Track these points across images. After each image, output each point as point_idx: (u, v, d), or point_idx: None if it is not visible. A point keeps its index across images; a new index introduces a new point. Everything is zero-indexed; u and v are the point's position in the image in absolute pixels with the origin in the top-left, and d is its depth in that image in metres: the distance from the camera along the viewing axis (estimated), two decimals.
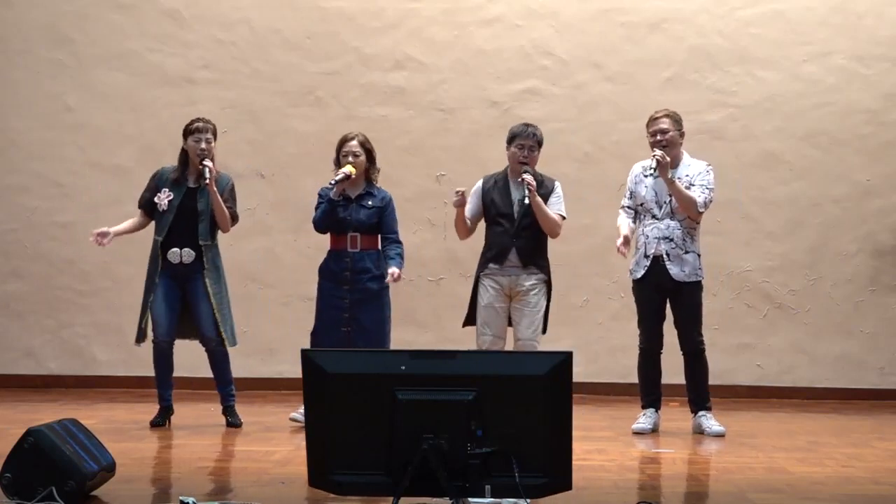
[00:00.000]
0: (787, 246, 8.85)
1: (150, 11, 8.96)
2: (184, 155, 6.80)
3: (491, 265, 6.69)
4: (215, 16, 8.96)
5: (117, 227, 6.84)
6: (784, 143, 8.88)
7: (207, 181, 6.60)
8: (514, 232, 6.65)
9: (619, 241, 6.66)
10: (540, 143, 6.70)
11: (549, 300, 6.70)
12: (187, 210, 6.73)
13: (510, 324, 6.72)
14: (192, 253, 6.71)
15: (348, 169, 6.65)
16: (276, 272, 8.69)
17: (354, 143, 6.75)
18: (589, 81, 8.90)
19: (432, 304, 8.81)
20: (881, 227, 8.85)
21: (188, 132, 6.77)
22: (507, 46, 8.91)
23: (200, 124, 6.77)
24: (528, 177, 6.52)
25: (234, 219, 6.84)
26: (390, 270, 6.64)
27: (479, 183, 6.84)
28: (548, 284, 6.70)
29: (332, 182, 6.62)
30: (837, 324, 8.82)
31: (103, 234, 6.76)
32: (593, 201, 8.51)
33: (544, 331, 6.70)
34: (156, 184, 6.84)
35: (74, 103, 8.95)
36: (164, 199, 6.75)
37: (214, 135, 6.80)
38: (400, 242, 6.81)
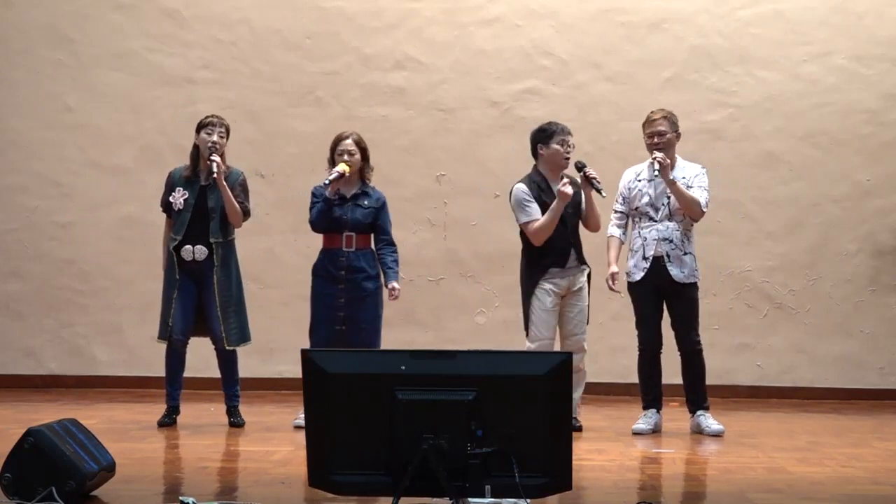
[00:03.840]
0: (787, 246, 8.85)
1: (150, 11, 8.96)
2: (195, 151, 6.82)
3: (553, 269, 6.72)
4: (215, 16, 8.96)
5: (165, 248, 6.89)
6: (784, 143, 8.88)
7: (215, 175, 6.61)
8: (569, 232, 6.75)
9: (608, 277, 6.80)
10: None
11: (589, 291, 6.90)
12: (201, 208, 6.76)
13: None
14: (205, 250, 6.74)
15: (342, 167, 6.64)
16: (275, 272, 8.69)
17: (349, 141, 6.75)
18: (589, 81, 8.91)
19: (432, 304, 8.81)
20: (881, 227, 8.85)
21: (200, 127, 6.80)
22: (507, 46, 8.91)
23: (213, 118, 6.82)
24: (592, 171, 6.67)
25: (246, 214, 6.86)
26: (392, 286, 6.71)
27: (524, 189, 6.73)
28: (589, 277, 6.88)
29: (327, 181, 6.61)
30: (837, 324, 8.82)
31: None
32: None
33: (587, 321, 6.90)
34: (170, 184, 6.85)
35: (74, 103, 8.95)
36: (179, 198, 6.77)
37: (227, 131, 6.83)
38: (395, 245, 6.84)
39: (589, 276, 6.86)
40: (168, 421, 6.77)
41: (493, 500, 3.88)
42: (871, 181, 8.86)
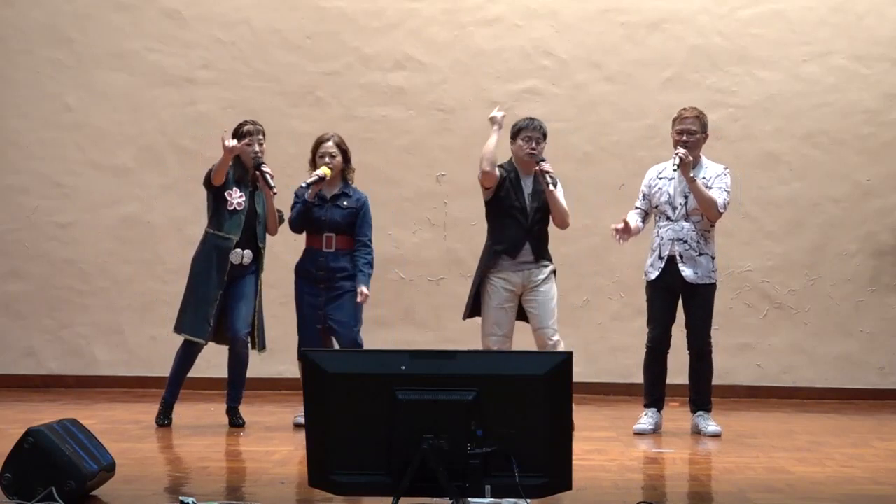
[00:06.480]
0: (787, 246, 8.85)
1: (150, 11, 8.96)
2: (237, 157, 6.73)
3: (503, 260, 6.64)
4: (215, 16, 8.96)
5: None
6: (784, 143, 8.88)
7: (274, 188, 6.62)
8: (528, 225, 6.67)
9: (619, 225, 6.67)
10: (545, 136, 6.75)
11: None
12: (251, 212, 6.75)
13: (518, 319, 6.73)
14: (251, 254, 6.76)
15: (323, 171, 6.66)
16: (275, 272, 8.63)
17: (330, 143, 6.76)
18: (589, 81, 8.91)
19: (432, 304, 8.81)
20: (881, 227, 8.85)
21: (239, 136, 6.73)
22: (507, 46, 8.91)
23: (251, 127, 6.77)
24: (546, 165, 6.58)
25: (282, 221, 6.91)
26: (361, 290, 6.64)
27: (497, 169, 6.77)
28: (555, 275, 6.75)
29: (306, 183, 6.64)
30: (837, 324, 8.82)
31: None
32: (593, 201, 8.51)
33: None
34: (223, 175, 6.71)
35: (74, 103, 8.95)
36: (236, 197, 6.71)
37: (264, 135, 6.79)
38: (370, 247, 6.80)
39: (554, 273, 6.75)
40: (167, 421, 6.74)
41: (493, 500, 3.89)
42: (871, 181, 8.86)
